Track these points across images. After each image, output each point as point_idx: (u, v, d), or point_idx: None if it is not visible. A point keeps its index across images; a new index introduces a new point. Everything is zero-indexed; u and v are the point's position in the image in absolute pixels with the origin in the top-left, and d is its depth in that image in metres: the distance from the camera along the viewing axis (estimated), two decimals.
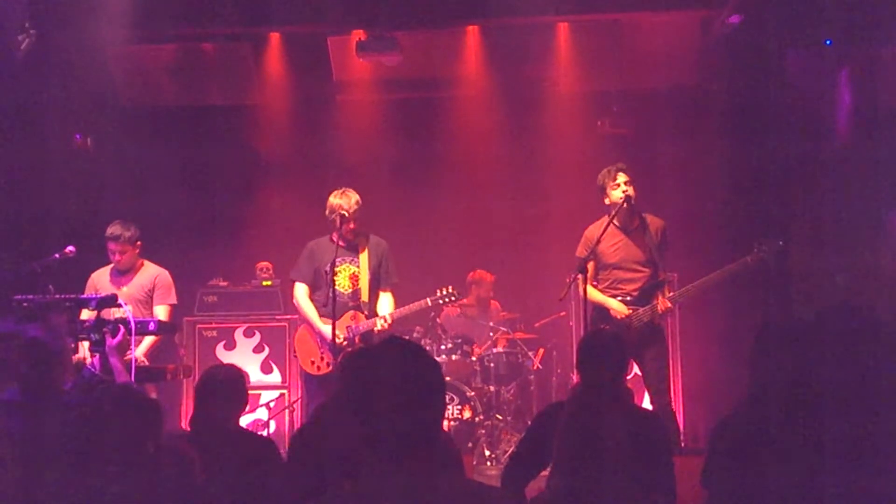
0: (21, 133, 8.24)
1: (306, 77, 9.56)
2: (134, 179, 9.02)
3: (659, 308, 6.52)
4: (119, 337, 5.29)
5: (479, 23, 9.06)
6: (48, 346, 4.84)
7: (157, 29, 8.76)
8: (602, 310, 6.64)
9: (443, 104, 9.76)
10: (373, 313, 6.83)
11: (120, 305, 6.37)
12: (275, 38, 9.35)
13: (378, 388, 2.11)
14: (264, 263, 9.15)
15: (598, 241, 6.56)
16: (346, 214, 6.72)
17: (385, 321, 6.76)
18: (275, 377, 8.52)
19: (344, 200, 6.75)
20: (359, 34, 8.67)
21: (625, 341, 4.49)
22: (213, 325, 8.60)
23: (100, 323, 5.37)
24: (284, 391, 8.47)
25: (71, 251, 6.65)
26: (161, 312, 7.00)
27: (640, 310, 6.57)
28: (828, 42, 8.10)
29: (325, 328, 6.67)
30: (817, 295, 7.99)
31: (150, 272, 7.14)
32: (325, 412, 3.99)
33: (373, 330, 6.77)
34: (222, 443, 4.06)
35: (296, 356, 7.09)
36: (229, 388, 4.38)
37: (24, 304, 5.80)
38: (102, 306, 5.81)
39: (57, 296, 5.92)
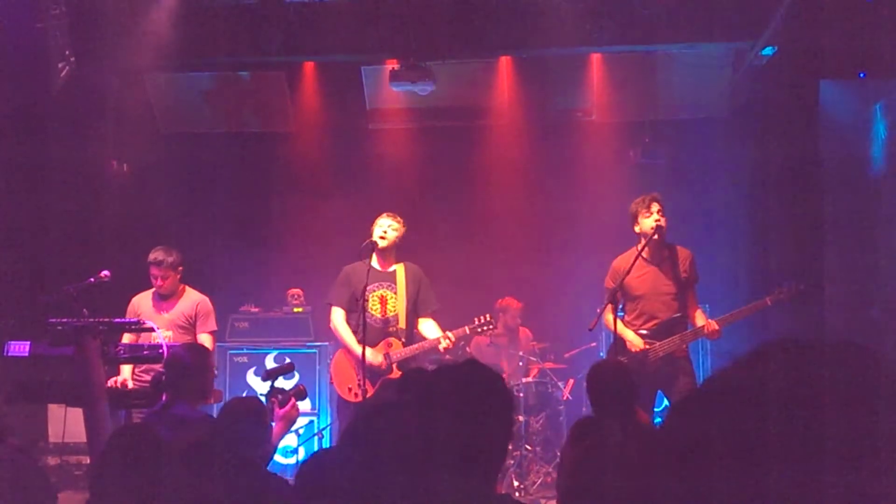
0: (59, 159, 8.36)
1: (340, 106, 9.66)
2: (168, 205, 9.13)
3: (706, 329, 6.40)
4: (288, 407, 5.18)
5: (512, 53, 9.12)
6: (187, 363, 5.04)
7: (194, 57, 8.89)
8: (620, 341, 6.54)
9: (475, 134, 9.80)
10: (410, 340, 6.82)
11: (153, 329, 6.42)
12: (309, 67, 9.46)
13: (447, 403, 2.17)
14: (295, 290, 9.19)
15: (627, 273, 6.47)
16: (387, 239, 6.77)
17: (448, 339, 6.72)
18: (304, 404, 8.50)
19: (388, 225, 6.81)
20: (392, 64, 8.75)
21: (629, 372, 4.50)
22: (244, 352, 8.64)
23: (272, 391, 5.30)
24: (314, 418, 8.47)
25: (106, 275, 6.67)
26: (206, 340, 7.03)
27: (657, 343, 6.46)
28: (862, 75, 8.07)
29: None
30: (851, 328, 7.91)
31: (192, 299, 7.17)
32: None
33: (411, 357, 6.76)
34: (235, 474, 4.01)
35: (332, 382, 7.08)
36: (250, 423, 4.35)
37: (59, 328, 5.86)
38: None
39: (91, 319, 5.98)
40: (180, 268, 7.12)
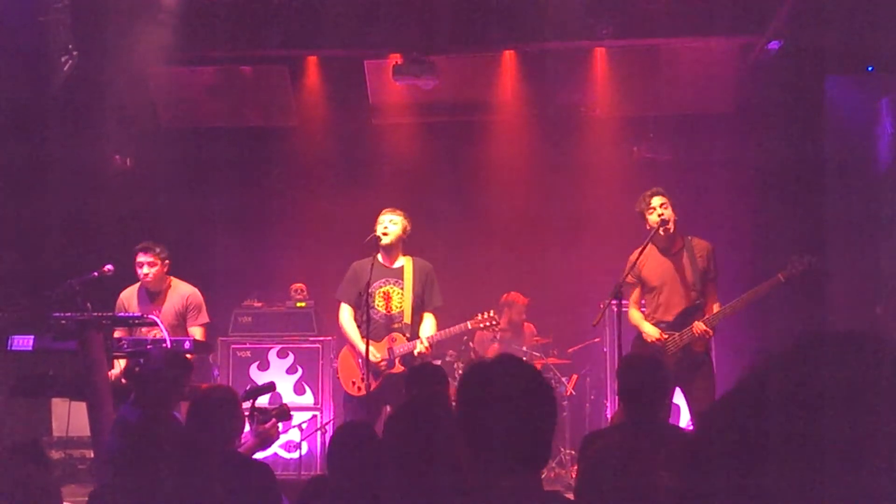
0: (61, 153, 8.34)
1: (343, 100, 9.63)
2: (170, 200, 9.10)
3: (695, 330, 6.37)
4: (267, 426, 5.05)
5: (516, 47, 9.08)
6: (162, 371, 4.92)
7: (196, 52, 8.87)
8: (640, 334, 6.55)
9: (479, 128, 9.77)
10: (415, 335, 6.77)
11: (156, 323, 6.38)
12: (312, 61, 9.43)
13: (494, 399, 2.20)
14: (298, 285, 9.17)
15: (637, 265, 6.47)
16: (389, 235, 6.74)
17: (423, 343, 6.71)
18: (307, 398, 8.52)
19: (389, 220, 6.78)
20: (395, 58, 8.71)
21: (664, 368, 4.40)
22: (247, 346, 8.61)
23: (253, 410, 5.16)
24: (317, 412, 8.45)
25: (109, 269, 6.67)
26: (197, 333, 6.98)
27: (676, 335, 6.41)
28: (869, 69, 8.04)
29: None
30: (853, 324, 7.87)
31: (180, 293, 7.12)
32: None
33: (413, 352, 6.73)
34: (218, 467, 3.92)
35: (338, 377, 7.07)
36: (224, 412, 4.27)
37: (62, 322, 5.85)
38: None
39: (95, 314, 5.98)
40: (167, 261, 7.07)
